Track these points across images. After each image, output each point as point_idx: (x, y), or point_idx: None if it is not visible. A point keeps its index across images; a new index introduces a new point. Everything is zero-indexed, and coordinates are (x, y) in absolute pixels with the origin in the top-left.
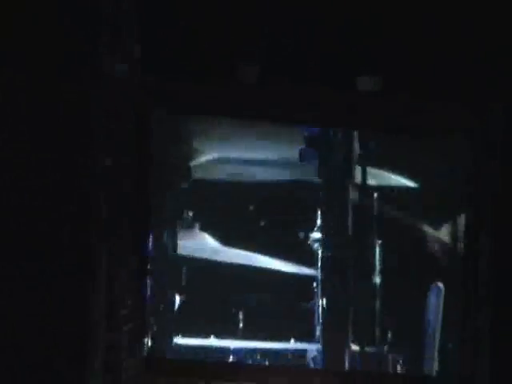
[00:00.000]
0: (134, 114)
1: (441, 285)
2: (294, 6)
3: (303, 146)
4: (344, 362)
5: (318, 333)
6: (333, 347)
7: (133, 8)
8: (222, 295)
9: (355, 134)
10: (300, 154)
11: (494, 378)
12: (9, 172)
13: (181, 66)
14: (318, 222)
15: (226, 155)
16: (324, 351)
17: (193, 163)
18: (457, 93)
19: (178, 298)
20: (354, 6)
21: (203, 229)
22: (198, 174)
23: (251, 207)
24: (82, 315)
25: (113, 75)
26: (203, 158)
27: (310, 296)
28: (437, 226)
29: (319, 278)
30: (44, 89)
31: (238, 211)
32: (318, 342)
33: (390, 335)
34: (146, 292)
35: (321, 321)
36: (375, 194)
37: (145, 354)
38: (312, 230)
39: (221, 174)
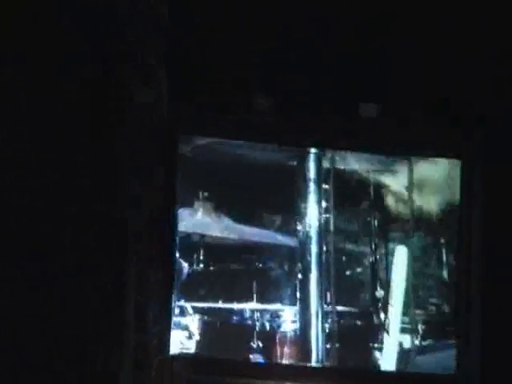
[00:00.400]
0: (161, 136)
1: (404, 248)
2: (304, 46)
3: None
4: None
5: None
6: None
7: (161, 41)
8: (230, 266)
9: None
10: None
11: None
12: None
13: (203, 96)
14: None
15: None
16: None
17: (197, 143)
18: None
19: (186, 267)
20: (354, 42)
21: (217, 208)
22: (202, 155)
23: (257, 188)
24: (115, 317)
25: (143, 102)
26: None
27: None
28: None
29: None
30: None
31: (247, 192)
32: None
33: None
34: (171, 296)
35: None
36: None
37: (170, 352)
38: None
39: (225, 156)
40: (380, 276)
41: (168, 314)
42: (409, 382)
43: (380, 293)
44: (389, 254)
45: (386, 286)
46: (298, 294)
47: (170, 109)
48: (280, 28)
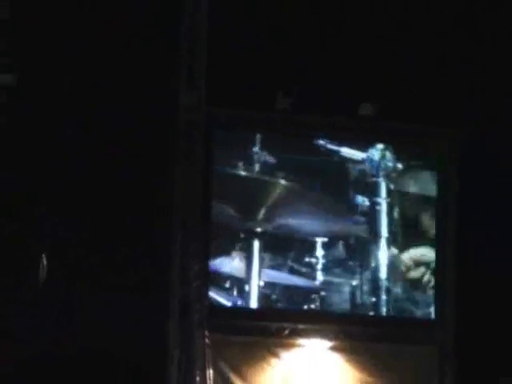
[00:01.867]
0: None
1: None
2: (316, 57)
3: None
4: None
5: None
6: None
7: (202, 56)
8: None
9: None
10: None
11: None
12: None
13: (234, 97)
14: None
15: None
16: None
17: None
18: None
19: None
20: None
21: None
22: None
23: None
24: (164, 275)
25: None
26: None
27: None
28: None
29: None
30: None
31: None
32: None
33: None
34: (208, 259)
35: None
36: None
37: (209, 303)
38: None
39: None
40: None
41: (206, 271)
42: (393, 325)
43: None
44: None
45: None
46: None
47: (207, 107)
48: (297, 43)
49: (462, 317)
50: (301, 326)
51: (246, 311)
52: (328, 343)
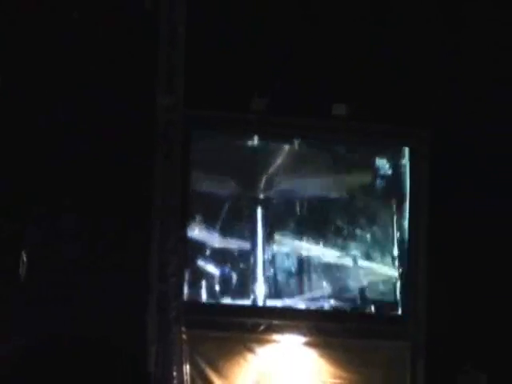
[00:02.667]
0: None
1: None
2: (290, 62)
3: None
4: None
5: None
6: None
7: (180, 61)
8: None
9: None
10: None
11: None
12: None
13: (211, 100)
14: None
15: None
16: None
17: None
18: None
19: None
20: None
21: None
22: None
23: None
24: (142, 272)
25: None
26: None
27: None
28: None
29: None
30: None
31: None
32: None
33: None
34: (186, 255)
35: None
36: None
37: (185, 299)
38: None
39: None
40: None
41: (183, 268)
42: (366, 321)
43: None
44: None
45: None
46: None
47: (185, 109)
48: (271, 49)
49: (433, 313)
50: (276, 322)
51: (222, 307)
52: (303, 339)
